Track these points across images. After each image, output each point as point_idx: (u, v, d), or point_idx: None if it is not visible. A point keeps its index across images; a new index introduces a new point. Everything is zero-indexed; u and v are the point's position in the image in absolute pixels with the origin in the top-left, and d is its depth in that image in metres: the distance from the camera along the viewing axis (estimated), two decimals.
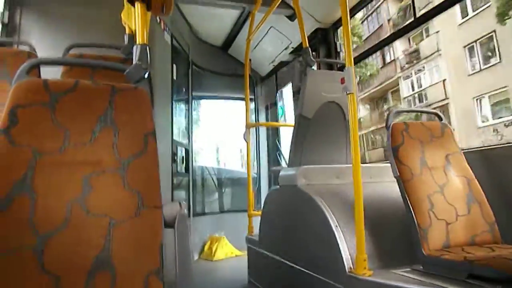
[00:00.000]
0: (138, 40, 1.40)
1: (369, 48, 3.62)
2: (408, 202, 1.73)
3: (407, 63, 17.64)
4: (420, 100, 16.69)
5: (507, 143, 2.06)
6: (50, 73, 1.59)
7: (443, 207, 1.75)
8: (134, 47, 1.38)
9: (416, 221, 1.68)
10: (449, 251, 1.61)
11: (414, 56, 17.22)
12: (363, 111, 20.28)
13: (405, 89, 17.82)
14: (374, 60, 18.72)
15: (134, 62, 1.35)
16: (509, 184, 1.88)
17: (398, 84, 18.15)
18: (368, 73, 19.35)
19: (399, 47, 17.55)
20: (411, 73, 17.39)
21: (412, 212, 1.70)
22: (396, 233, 1.89)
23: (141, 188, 1.17)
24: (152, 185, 1.19)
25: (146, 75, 1.34)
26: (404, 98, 17.72)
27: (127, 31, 2.19)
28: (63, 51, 2.24)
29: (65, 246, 1.06)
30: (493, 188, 1.87)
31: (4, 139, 1.09)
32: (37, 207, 1.07)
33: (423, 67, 16.71)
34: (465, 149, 2.04)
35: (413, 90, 17.32)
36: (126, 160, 1.18)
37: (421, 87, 16.87)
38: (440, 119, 2.07)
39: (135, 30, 1.47)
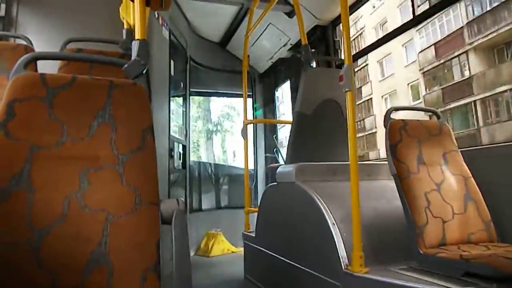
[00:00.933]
0: (137, 35, 1.39)
1: (369, 45, 3.61)
2: (405, 199, 1.73)
3: None
4: None
5: (504, 142, 2.07)
6: (47, 68, 1.58)
7: (439, 205, 1.75)
8: (133, 43, 1.37)
9: (412, 219, 1.68)
10: (445, 249, 1.61)
11: None
12: (476, 67, 13.85)
13: None
14: None
15: (132, 58, 1.34)
16: (505, 183, 1.88)
17: None
18: None
19: None
20: None
21: (409, 209, 1.71)
22: (392, 230, 1.90)
23: (139, 184, 1.16)
24: (149, 181, 1.19)
25: (144, 71, 1.34)
26: None
27: (125, 26, 2.18)
28: (60, 46, 2.23)
29: (62, 240, 1.06)
30: (490, 187, 1.88)
31: (0, 133, 1.09)
32: (34, 201, 1.06)
33: None
34: (462, 148, 2.04)
35: None
36: (123, 156, 1.18)
37: None
38: (438, 117, 2.08)
39: (134, 25, 1.47)
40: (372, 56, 20.76)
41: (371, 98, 22.38)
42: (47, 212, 1.07)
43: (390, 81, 20.92)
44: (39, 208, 1.06)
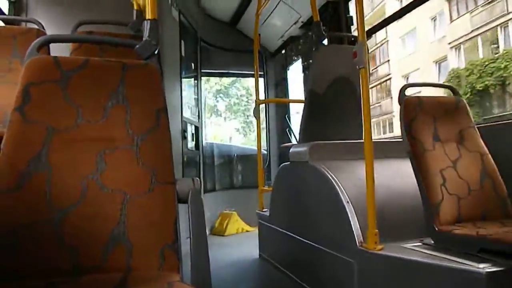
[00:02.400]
0: (148, 15, 1.38)
1: (382, 21, 3.53)
2: (420, 177, 1.72)
3: None
4: None
5: None
6: (59, 51, 1.59)
7: (455, 182, 1.73)
8: (144, 22, 1.36)
9: (427, 196, 1.67)
10: (461, 225, 1.60)
11: None
12: None
13: None
14: None
15: (144, 38, 1.33)
16: None
17: None
18: None
19: None
20: None
21: (424, 187, 1.69)
22: (407, 208, 1.89)
23: (154, 164, 1.18)
24: (165, 161, 1.20)
25: (156, 51, 1.34)
26: None
27: (135, 7, 2.16)
28: (71, 29, 2.23)
29: (82, 219, 1.08)
30: (507, 163, 1.85)
31: (18, 116, 1.10)
32: (53, 183, 1.09)
33: None
34: (479, 124, 2.00)
35: None
36: (138, 136, 1.19)
37: None
38: (454, 93, 2.03)
39: (144, 6, 1.45)
40: None
41: None
42: (66, 193, 1.09)
43: None
44: (59, 190, 1.08)
